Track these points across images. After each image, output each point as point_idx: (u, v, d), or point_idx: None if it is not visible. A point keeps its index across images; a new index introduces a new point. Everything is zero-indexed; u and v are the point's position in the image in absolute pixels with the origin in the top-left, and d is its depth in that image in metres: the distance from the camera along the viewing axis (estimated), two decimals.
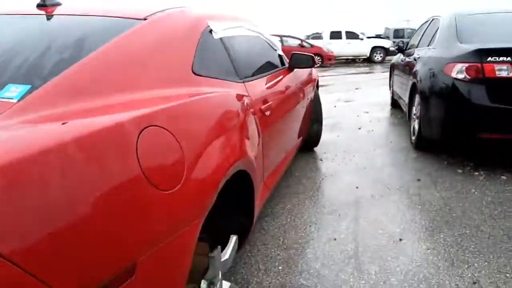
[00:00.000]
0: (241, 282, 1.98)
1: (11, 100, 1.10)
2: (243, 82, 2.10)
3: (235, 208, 1.95)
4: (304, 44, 16.97)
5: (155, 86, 1.38)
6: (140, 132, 1.06)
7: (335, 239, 2.37)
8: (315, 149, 4.20)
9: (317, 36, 19.52)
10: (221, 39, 2.06)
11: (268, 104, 2.26)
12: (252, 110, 2.01)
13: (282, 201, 2.92)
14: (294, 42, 16.77)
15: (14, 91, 1.15)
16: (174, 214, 1.09)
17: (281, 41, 16.19)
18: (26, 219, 0.77)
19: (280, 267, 2.10)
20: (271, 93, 2.41)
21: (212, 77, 1.79)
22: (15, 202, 0.76)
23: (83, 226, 0.86)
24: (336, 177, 3.43)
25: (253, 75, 2.30)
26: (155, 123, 1.13)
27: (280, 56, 3.08)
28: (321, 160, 3.89)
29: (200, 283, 1.49)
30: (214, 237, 1.70)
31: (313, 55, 3.20)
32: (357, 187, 3.16)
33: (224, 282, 1.68)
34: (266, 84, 2.42)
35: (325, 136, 4.41)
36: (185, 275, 1.16)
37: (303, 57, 3.03)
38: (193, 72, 1.65)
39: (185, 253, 1.14)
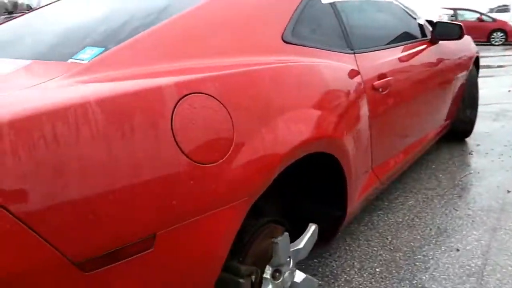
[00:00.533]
0: (328, 276, 1.79)
1: (81, 62, 1.14)
2: (354, 54, 1.84)
3: (323, 197, 1.75)
4: (484, 18, 14.52)
5: (230, 53, 1.28)
6: (180, 99, 0.98)
7: (457, 250, 1.94)
8: (467, 139, 3.54)
9: (503, 9, 16.47)
10: (331, 3, 1.82)
11: (386, 80, 1.93)
12: (359, 85, 1.74)
13: (404, 196, 2.54)
14: (472, 16, 14.51)
15: (88, 53, 1.19)
16: (208, 191, 0.99)
17: (455, 15, 14.22)
18: (48, 179, 0.77)
19: (378, 269, 1.82)
20: (394, 68, 2.05)
21: (310, 46, 1.60)
22: (36, 160, 0.76)
23: (100, 189, 0.83)
24: (484, 175, 2.81)
25: (371, 46, 2.00)
26: (201, 90, 1.03)
27: (420, 26, 2.62)
28: (471, 154, 3.25)
29: (264, 268, 1.38)
30: (295, 224, 1.55)
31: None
32: (508, 191, 2.53)
33: (298, 272, 1.53)
34: (389, 57, 2.08)
35: (483, 125, 3.68)
36: (218, 259, 1.06)
37: (449, 26, 2.52)
38: (283, 40, 1.49)
39: (220, 236, 1.03)
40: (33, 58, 1.26)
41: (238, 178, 1.06)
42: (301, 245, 1.48)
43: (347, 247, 2.01)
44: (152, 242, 0.90)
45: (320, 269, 1.84)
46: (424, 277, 1.75)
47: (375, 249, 1.98)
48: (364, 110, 1.80)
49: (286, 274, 1.43)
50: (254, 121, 1.13)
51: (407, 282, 1.72)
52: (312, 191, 1.77)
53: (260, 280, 1.37)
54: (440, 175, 2.85)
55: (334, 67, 1.61)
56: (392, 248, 1.98)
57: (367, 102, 1.82)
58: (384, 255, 1.93)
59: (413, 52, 2.33)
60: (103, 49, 1.18)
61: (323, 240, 1.84)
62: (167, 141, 0.93)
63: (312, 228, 1.53)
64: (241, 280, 1.32)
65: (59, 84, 1.00)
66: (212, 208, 1.00)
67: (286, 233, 1.39)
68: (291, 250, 1.46)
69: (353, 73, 1.74)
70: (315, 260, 1.91)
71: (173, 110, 0.96)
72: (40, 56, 1.27)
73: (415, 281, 1.72)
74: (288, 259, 1.45)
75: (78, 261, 0.80)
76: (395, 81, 2.00)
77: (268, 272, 1.38)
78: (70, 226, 0.79)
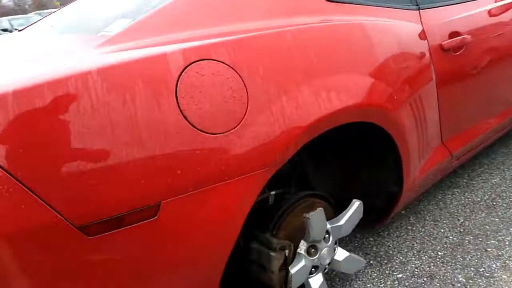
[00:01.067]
0: (382, 256, 1.66)
1: (109, 34, 1.17)
2: (419, 10, 1.61)
3: (379, 170, 1.61)
4: None
5: (265, 16, 1.21)
6: (187, 66, 0.95)
7: None
8: None
9: None
10: None
11: (459, 39, 1.67)
12: (421, 46, 1.53)
13: (489, 172, 2.23)
14: None
15: (116, 25, 1.22)
16: (216, 162, 0.96)
17: None
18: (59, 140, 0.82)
19: (440, 253, 1.64)
20: (469, 26, 1.77)
21: (360, 4, 1.44)
22: (39, 124, 0.81)
23: (103, 155, 0.86)
24: None
25: (441, 0, 1.73)
26: (211, 56, 0.98)
27: None
28: None
29: (298, 243, 1.32)
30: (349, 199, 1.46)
31: None
32: None
33: (340, 250, 1.44)
34: (463, 12, 1.79)
35: None
36: (230, 231, 1.02)
37: None
38: None
39: (232, 208, 1.00)
40: (72, 33, 1.33)
41: (251, 149, 1.00)
42: (341, 222, 1.39)
43: (409, 227, 1.84)
44: (157, 210, 0.91)
45: (374, 248, 1.72)
46: (494, 265, 1.53)
47: (442, 230, 1.79)
48: (429, 75, 1.59)
49: (324, 251, 1.35)
50: (273, 89, 1.06)
51: (472, 269, 1.53)
52: (367, 163, 1.64)
53: (294, 255, 1.32)
54: None
55: (386, 26, 1.43)
56: (462, 230, 1.77)
57: (434, 67, 1.60)
58: (451, 237, 1.73)
59: (496, 8, 1.98)
60: (131, 20, 1.20)
61: (378, 219, 1.72)
62: (171, 109, 0.91)
63: (355, 204, 1.42)
64: (272, 254, 1.28)
65: (84, 54, 1.04)
66: (220, 180, 0.96)
67: (320, 209, 1.31)
68: (330, 226, 1.38)
69: (415, 32, 1.53)
70: (370, 238, 1.79)
71: (178, 78, 0.93)
72: (76, 31, 1.33)
73: (482, 269, 1.52)
74: (327, 235, 1.37)
75: (80, 224, 0.84)
76: (471, 41, 1.72)
77: (302, 248, 1.32)
78: (72, 190, 0.83)
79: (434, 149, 1.75)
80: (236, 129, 0.99)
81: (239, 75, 1.01)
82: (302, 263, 1.30)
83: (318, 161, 1.70)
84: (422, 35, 1.57)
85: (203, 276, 1.03)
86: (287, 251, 1.31)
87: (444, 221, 1.85)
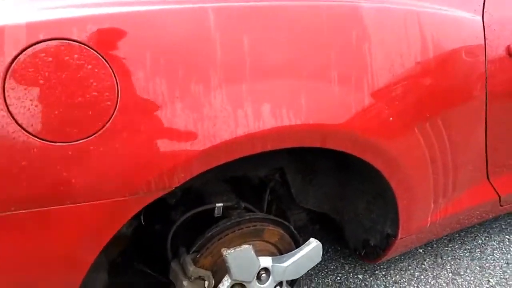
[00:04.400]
0: None
1: None
2: None
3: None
4: None
5: None
6: (25, 49, 0.69)
7: None
8: None
9: None
10: None
11: None
12: (475, 45, 1.06)
13: None
14: None
15: None
16: (53, 179, 0.72)
17: None
18: None
19: None
20: None
21: None
22: None
23: None
24: None
25: None
26: (71, 36, 0.71)
27: None
28: None
29: (222, 277, 1.06)
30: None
31: None
32: None
33: None
34: None
35: None
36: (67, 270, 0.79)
37: None
38: None
39: (71, 239, 0.76)
40: None
41: (110, 168, 0.74)
42: (286, 263, 1.07)
43: (415, 271, 1.44)
44: None
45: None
46: None
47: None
48: (477, 88, 1.11)
49: None
50: (166, 89, 0.76)
51: None
52: (364, 188, 1.27)
53: None
54: None
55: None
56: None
57: (488, 76, 1.11)
58: None
59: None
60: None
61: (370, 256, 1.35)
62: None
63: (310, 245, 1.08)
64: (184, 283, 1.05)
65: None
66: (58, 203, 0.73)
67: (247, 247, 1.01)
68: (271, 264, 1.08)
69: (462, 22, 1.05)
70: (359, 276, 1.44)
71: (10, 65, 0.68)
72: None
73: None
74: (264, 274, 1.08)
75: None
76: None
77: (225, 284, 1.05)
78: None
79: (471, 187, 1.28)
80: (89, 139, 0.72)
81: (108, 65, 0.72)
82: None
83: (307, 175, 1.36)
84: (478, 30, 1.08)
85: None
86: (206, 283, 1.06)
87: (468, 276, 1.40)
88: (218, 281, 1.06)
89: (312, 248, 1.07)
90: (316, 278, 1.45)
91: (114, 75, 0.73)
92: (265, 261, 1.07)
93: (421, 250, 1.56)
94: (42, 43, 0.70)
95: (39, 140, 0.70)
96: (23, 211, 0.72)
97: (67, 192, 0.73)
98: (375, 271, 1.47)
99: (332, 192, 1.37)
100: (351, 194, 1.32)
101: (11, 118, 0.69)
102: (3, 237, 0.73)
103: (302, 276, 1.44)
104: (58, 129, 0.71)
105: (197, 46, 0.77)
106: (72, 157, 0.72)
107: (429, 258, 1.51)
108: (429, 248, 1.56)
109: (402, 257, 1.52)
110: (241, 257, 1.00)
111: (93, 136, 0.72)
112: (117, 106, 0.73)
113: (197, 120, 0.77)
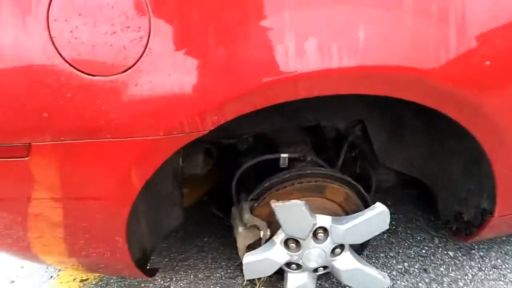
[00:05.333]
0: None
1: None
2: None
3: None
4: None
5: None
6: None
7: None
8: None
9: None
10: None
11: None
12: None
13: None
14: None
15: None
16: (96, 113, 0.74)
17: None
18: None
19: None
20: None
21: None
22: None
23: None
24: None
25: None
26: None
27: None
28: None
29: (277, 229, 1.01)
30: None
31: None
32: None
33: (348, 257, 1.04)
34: None
35: None
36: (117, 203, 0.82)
37: None
38: None
39: (118, 173, 0.78)
40: None
41: (145, 106, 0.73)
42: (345, 226, 0.97)
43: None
44: (28, 151, 0.79)
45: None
46: None
47: None
48: None
49: (310, 251, 1.00)
50: (202, 25, 0.70)
51: None
52: (462, 151, 1.06)
53: (268, 240, 1.03)
54: None
55: None
56: None
57: None
58: None
59: None
60: None
61: (459, 232, 1.15)
62: (39, 34, 0.71)
63: (375, 210, 0.95)
64: (240, 229, 1.04)
65: None
66: (101, 136, 0.75)
67: (297, 201, 0.92)
68: (331, 224, 0.99)
69: None
70: (450, 253, 1.25)
71: None
72: None
73: None
74: (321, 233, 0.99)
75: None
76: None
77: (279, 236, 1.01)
78: None
79: None
80: (125, 73, 0.72)
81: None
82: (271, 252, 1.00)
83: (392, 130, 1.19)
84: None
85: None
86: (261, 232, 1.04)
87: None
88: (274, 232, 1.02)
89: (376, 214, 0.95)
90: (397, 247, 1.30)
91: (148, 8, 0.70)
92: (323, 220, 0.99)
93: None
94: None
95: (80, 73, 0.72)
96: (71, 141, 0.76)
97: (107, 126, 0.75)
98: (471, 250, 1.26)
99: (422, 152, 1.18)
100: (445, 157, 1.12)
101: (55, 50, 0.72)
102: (57, 163, 0.79)
103: (381, 242, 1.33)
104: (97, 62, 0.72)
105: None
106: (110, 91, 0.73)
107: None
108: None
109: (510, 240, 1.27)
110: (291, 212, 0.93)
111: (128, 71, 0.72)
112: (149, 41, 0.70)
113: (230, 59, 0.70)
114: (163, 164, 0.81)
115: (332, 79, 0.71)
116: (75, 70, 0.72)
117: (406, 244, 1.31)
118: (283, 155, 1.11)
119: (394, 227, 1.39)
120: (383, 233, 1.37)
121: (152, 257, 1.34)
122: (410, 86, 0.74)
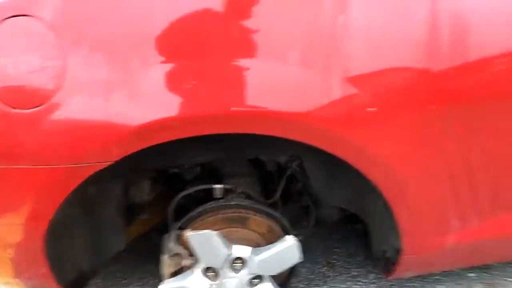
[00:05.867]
0: None
1: None
2: None
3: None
4: None
5: None
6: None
7: None
8: None
9: None
10: None
11: None
12: None
13: None
14: None
15: None
16: (9, 140, 0.82)
17: None
18: None
19: None
20: None
21: None
22: None
23: None
24: None
25: None
26: (31, 12, 0.79)
27: None
28: None
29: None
30: None
31: None
32: None
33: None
34: None
35: None
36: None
37: None
38: None
39: (20, 199, 0.85)
40: None
41: (57, 136, 0.81)
42: (257, 257, 1.01)
43: None
44: None
45: None
46: None
47: None
48: None
49: (228, 280, 1.04)
50: (115, 64, 0.78)
51: None
52: None
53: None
54: None
55: None
56: None
57: None
58: None
59: None
60: None
61: (383, 268, 1.19)
62: None
63: (284, 242, 1.00)
64: (164, 256, 1.08)
65: None
66: (10, 163, 0.83)
67: (212, 232, 0.98)
68: (248, 256, 1.03)
69: None
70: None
71: None
72: None
73: None
74: (239, 263, 1.04)
75: None
76: None
77: (199, 266, 1.05)
78: None
79: None
80: (40, 108, 0.80)
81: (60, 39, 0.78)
82: (188, 281, 1.05)
83: (329, 167, 1.24)
84: None
85: None
86: (183, 261, 1.08)
87: None
88: (196, 262, 1.07)
89: (286, 247, 1.00)
90: (331, 282, 1.34)
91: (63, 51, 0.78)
92: (241, 251, 1.03)
93: (473, 275, 1.30)
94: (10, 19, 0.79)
95: (2, 104, 0.80)
96: None
97: (22, 153, 0.82)
98: (404, 286, 1.29)
99: (357, 188, 1.23)
100: (372, 194, 1.17)
101: None
102: None
103: (318, 275, 1.37)
104: (17, 97, 0.80)
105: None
106: (26, 123, 0.81)
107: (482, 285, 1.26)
108: (484, 273, 1.29)
109: (442, 279, 1.29)
110: (204, 241, 0.98)
111: (42, 106, 0.80)
112: (63, 80, 0.79)
113: (130, 98, 0.78)
114: (102, 190, 0.88)
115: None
116: None
117: (341, 278, 1.35)
118: (215, 186, 1.16)
119: (334, 261, 1.43)
120: (322, 266, 1.42)
121: (97, 281, 1.40)
122: (292, 127, 0.81)
